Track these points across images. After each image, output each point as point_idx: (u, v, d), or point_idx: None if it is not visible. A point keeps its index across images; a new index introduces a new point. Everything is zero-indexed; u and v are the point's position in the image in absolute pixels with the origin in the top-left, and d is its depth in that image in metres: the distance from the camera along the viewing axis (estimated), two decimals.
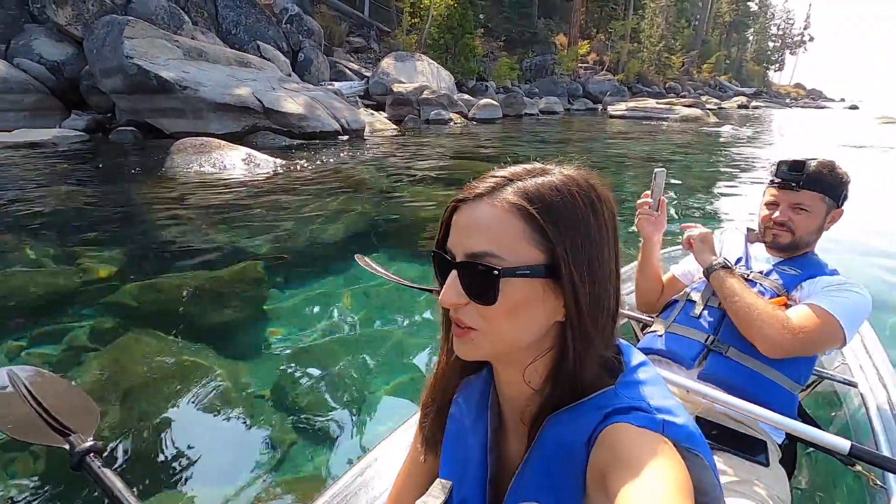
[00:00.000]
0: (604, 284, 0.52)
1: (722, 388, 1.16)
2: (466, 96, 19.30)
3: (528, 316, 0.51)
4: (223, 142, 6.92)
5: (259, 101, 9.59)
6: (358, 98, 16.15)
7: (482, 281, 0.50)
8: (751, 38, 69.52)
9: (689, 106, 21.73)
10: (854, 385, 1.46)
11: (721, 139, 14.11)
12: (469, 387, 0.65)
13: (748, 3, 64.62)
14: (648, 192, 1.42)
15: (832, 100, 76.96)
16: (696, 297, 1.38)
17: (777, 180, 1.34)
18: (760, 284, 1.30)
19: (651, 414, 0.49)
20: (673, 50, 41.05)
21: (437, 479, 0.61)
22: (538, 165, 0.55)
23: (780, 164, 1.34)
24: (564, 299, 0.51)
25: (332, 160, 7.85)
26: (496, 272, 0.49)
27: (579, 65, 34.02)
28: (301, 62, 16.89)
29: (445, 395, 0.65)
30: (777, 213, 1.34)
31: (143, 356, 2.39)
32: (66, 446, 0.70)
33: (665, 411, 0.50)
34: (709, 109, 23.32)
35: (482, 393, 0.63)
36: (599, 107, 28.24)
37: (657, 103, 22.49)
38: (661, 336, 1.34)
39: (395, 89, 16.14)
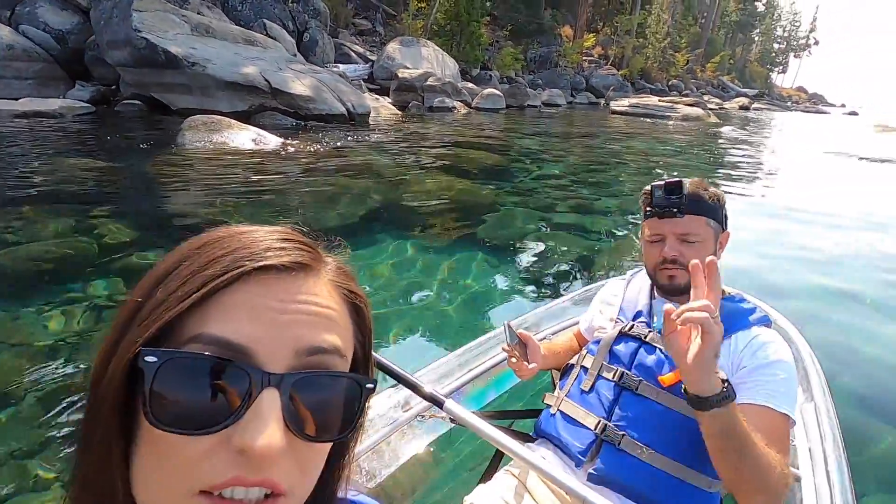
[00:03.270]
0: None
1: (618, 494, 0.96)
2: (470, 85, 19.32)
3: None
4: (233, 121, 7.03)
5: (266, 80, 9.65)
6: (362, 82, 16.15)
7: (335, 399, 0.34)
8: (756, 38, 69.45)
9: (691, 105, 21.87)
10: (798, 479, 1.16)
11: (721, 141, 14.29)
12: None
13: (755, 4, 64.44)
14: (506, 346, 1.16)
15: (832, 105, 77.53)
16: (588, 362, 1.16)
17: (654, 209, 1.11)
18: (660, 351, 1.06)
19: None
20: (678, 47, 41.04)
21: None
22: (292, 229, 0.39)
23: (653, 189, 1.12)
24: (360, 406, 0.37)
25: (338, 143, 7.97)
26: (370, 385, 0.36)
27: (584, 58, 33.98)
28: (306, 43, 16.83)
29: None
30: (666, 248, 1.09)
31: None
32: None
33: None
34: (710, 109, 23.47)
35: None
36: (602, 101, 28.30)
37: (659, 101, 22.60)
38: (553, 415, 1.13)
39: (400, 75, 16.15)
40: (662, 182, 1.11)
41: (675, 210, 1.09)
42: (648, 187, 1.14)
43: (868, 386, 2.43)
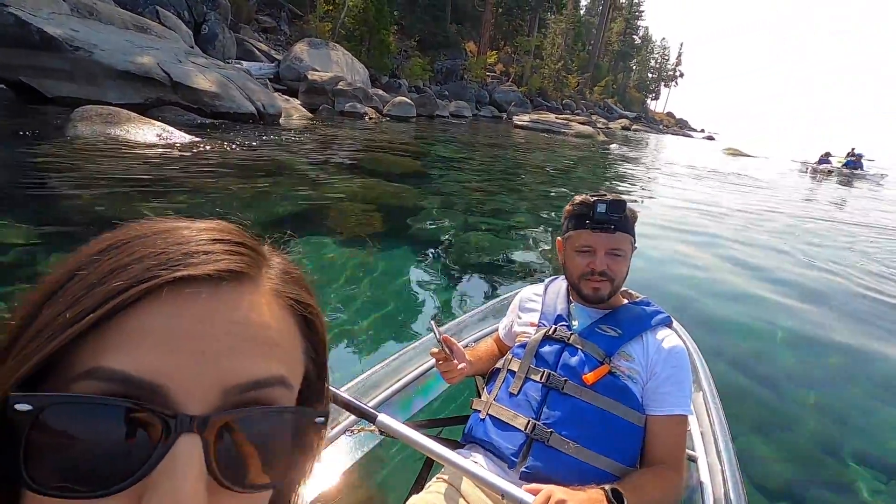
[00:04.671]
0: None
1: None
2: (381, 92, 19.41)
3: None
4: (133, 114, 6.44)
5: (166, 72, 8.93)
6: (268, 80, 15.48)
7: (279, 438, 0.28)
8: (634, 67, 78.00)
9: (583, 123, 24.01)
10: (694, 460, 1.35)
11: (609, 156, 15.89)
12: None
13: (633, 37, 72.34)
14: (436, 350, 1.20)
15: (695, 129, 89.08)
16: (515, 365, 1.20)
17: (591, 222, 1.16)
18: (581, 351, 1.15)
19: None
20: (570, 70, 44.70)
21: None
22: (220, 225, 0.32)
23: (595, 203, 1.16)
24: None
25: (253, 143, 7.64)
26: (320, 419, 0.30)
27: (487, 73, 35.67)
28: (204, 35, 15.75)
29: None
30: (597, 261, 1.17)
31: None
32: None
33: None
34: (599, 128, 25.93)
35: None
36: (504, 115, 29.89)
37: (556, 118, 24.48)
38: (483, 420, 1.17)
39: (309, 77, 15.76)
40: (606, 198, 1.16)
41: (611, 226, 1.15)
42: (584, 198, 1.19)
43: (740, 370, 2.90)
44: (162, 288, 0.26)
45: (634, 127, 46.06)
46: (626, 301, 1.28)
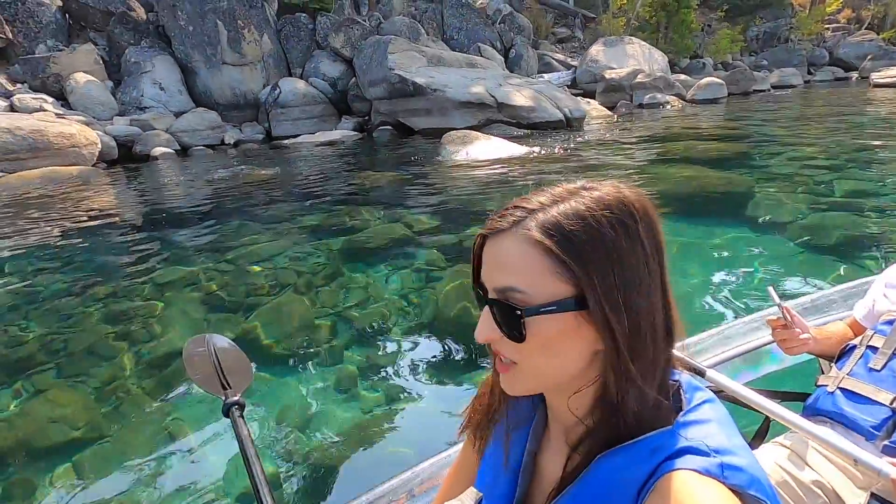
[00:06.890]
0: (645, 312, 0.49)
1: None
2: (682, 76, 18.10)
3: (564, 350, 0.49)
4: (479, 133, 8.22)
5: (493, 96, 10.84)
6: (565, 88, 16.59)
7: (509, 319, 0.49)
8: None
9: None
10: None
11: None
12: (519, 401, 0.63)
13: None
14: (773, 318, 1.17)
15: None
16: (878, 342, 1.09)
17: None
18: None
19: (708, 456, 0.46)
20: None
21: (470, 488, 0.60)
22: (567, 188, 0.52)
23: None
24: (599, 330, 0.48)
25: (566, 145, 8.58)
26: (518, 312, 0.48)
27: (825, 26, 28.36)
28: (512, 58, 18.03)
29: (493, 411, 0.65)
30: None
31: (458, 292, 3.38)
32: (223, 398, 0.89)
33: (724, 452, 0.47)
34: None
35: (528, 410, 0.62)
36: (854, 75, 23.29)
37: None
38: (831, 393, 1.07)
39: (607, 76, 16.10)
40: None
41: None
42: None
43: None
44: (482, 239, 0.53)
45: None
46: None
